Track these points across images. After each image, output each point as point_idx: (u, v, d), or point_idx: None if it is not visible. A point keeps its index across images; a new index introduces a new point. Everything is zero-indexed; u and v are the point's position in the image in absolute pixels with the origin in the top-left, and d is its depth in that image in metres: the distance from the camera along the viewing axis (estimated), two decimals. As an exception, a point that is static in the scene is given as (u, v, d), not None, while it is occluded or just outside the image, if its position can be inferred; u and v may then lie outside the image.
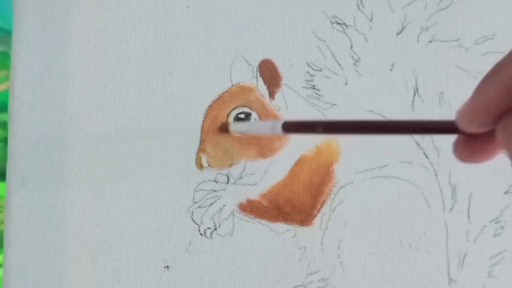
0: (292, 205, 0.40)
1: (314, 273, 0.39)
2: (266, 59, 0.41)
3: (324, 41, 0.41)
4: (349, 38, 0.41)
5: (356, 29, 0.41)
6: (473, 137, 0.21)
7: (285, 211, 0.40)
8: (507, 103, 0.18)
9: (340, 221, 0.40)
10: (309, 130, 0.31)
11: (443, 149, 0.40)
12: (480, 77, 0.19)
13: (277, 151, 0.40)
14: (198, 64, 0.40)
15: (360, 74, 0.41)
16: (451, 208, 0.40)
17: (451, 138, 0.23)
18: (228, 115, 0.40)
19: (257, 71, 0.41)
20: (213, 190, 0.40)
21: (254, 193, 0.40)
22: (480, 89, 0.19)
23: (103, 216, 0.39)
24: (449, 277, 0.40)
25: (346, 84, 0.41)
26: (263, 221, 0.40)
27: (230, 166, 0.40)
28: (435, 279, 0.40)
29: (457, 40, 0.42)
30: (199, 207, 0.39)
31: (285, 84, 0.41)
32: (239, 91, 0.40)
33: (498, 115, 0.19)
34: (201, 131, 0.40)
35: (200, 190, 0.40)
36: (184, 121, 0.40)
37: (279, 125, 0.32)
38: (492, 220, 0.40)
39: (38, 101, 0.39)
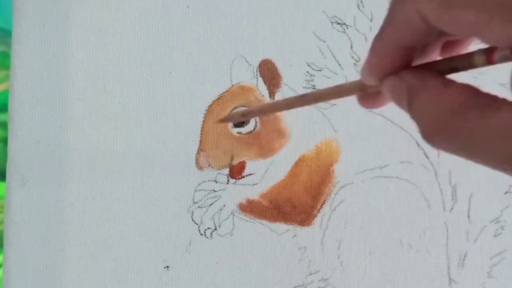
0: (292, 205, 0.40)
1: (314, 273, 0.39)
2: (266, 59, 0.41)
3: (324, 41, 0.41)
4: (349, 38, 0.41)
5: (356, 29, 0.41)
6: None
7: (285, 211, 0.40)
8: (392, 63, 0.22)
9: (340, 221, 0.40)
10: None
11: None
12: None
13: (277, 151, 0.40)
14: (198, 64, 0.40)
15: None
16: (451, 208, 0.40)
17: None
18: (228, 115, 0.40)
19: (257, 71, 0.41)
20: (213, 190, 0.40)
21: (254, 193, 0.40)
22: (371, 50, 0.22)
23: (103, 216, 0.39)
24: (449, 277, 0.40)
25: (346, 84, 0.41)
26: (263, 221, 0.40)
27: (230, 166, 0.40)
28: (435, 279, 0.40)
29: (457, 40, 0.42)
30: (199, 207, 0.39)
31: (285, 84, 0.41)
32: (239, 91, 0.40)
33: (386, 72, 0.22)
34: (201, 131, 0.40)
35: (200, 190, 0.40)
36: (184, 121, 0.40)
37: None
38: (492, 220, 0.40)
39: (38, 101, 0.39)
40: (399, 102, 0.22)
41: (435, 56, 0.23)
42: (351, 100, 0.42)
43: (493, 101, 0.18)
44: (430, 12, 0.19)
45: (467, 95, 0.19)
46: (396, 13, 0.21)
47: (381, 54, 0.22)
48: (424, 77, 0.21)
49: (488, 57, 0.19)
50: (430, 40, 0.21)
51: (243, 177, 0.39)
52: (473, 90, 0.19)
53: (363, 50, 0.41)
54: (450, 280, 0.40)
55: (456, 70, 0.21)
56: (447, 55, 0.23)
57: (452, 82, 0.20)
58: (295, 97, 0.28)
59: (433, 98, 0.19)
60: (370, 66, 0.23)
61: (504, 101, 0.18)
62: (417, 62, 0.22)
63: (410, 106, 0.21)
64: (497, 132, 0.17)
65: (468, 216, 0.40)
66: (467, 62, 0.20)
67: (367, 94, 0.25)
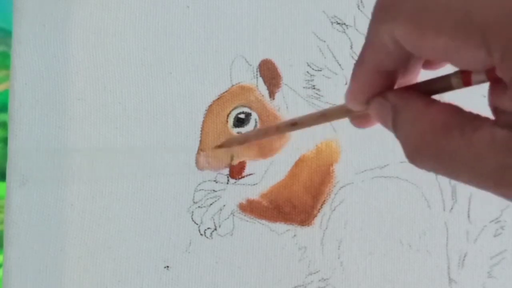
0: (292, 205, 0.40)
1: (314, 273, 0.39)
2: (266, 59, 0.41)
3: (324, 41, 0.41)
4: (349, 38, 0.41)
5: (356, 29, 0.41)
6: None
7: (285, 211, 0.40)
8: (374, 88, 0.21)
9: (340, 221, 0.40)
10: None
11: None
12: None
13: (277, 151, 0.40)
14: (198, 64, 0.40)
15: (360, 74, 0.41)
16: (451, 208, 0.40)
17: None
18: (228, 115, 0.40)
19: (257, 71, 0.41)
20: (213, 190, 0.40)
21: (254, 193, 0.40)
22: (353, 76, 0.22)
23: (103, 216, 0.39)
24: (449, 277, 0.40)
25: (346, 84, 0.41)
26: (263, 221, 0.40)
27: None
28: (435, 279, 0.40)
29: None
30: (199, 207, 0.39)
31: (285, 84, 0.41)
32: (239, 91, 0.40)
33: (369, 97, 0.22)
34: (201, 131, 0.40)
35: (200, 190, 0.40)
36: (184, 121, 0.40)
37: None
38: (492, 220, 0.40)
39: (38, 101, 0.39)
40: (384, 123, 0.22)
41: (418, 74, 0.23)
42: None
43: (474, 120, 0.18)
44: (403, 38, 0.19)
45: (449, 115, 0.19)
46: (372, 39, 0.20)
47: (363, 80, 0.22)
48: (408, 97, 0.21)
49: (465, 79, 0.19)
50: (410, 61, 0.21)
51: (243, 177, 0.39)
52: (455, 109, 0.19)
53: (363, 50, 0.41)
54: (450, 280, 0.40)
55: (437, 91, 0.21)
56: (430, 69, 0.23)
57: (435, 101, 0.20)
58: (285, 123, 0.29)
59: (416, 118, 0.20)
60: (353, 92, 0.23)
61: (485, 119, 0.18)
62: (400, 81, 0.22)
63: (395, 126, 0.21)
64: (478, 151, 0.17)
65: (468, 216, 0.40)
66: (445, 84, 0.20)
67: (355, 117, 0.25)
